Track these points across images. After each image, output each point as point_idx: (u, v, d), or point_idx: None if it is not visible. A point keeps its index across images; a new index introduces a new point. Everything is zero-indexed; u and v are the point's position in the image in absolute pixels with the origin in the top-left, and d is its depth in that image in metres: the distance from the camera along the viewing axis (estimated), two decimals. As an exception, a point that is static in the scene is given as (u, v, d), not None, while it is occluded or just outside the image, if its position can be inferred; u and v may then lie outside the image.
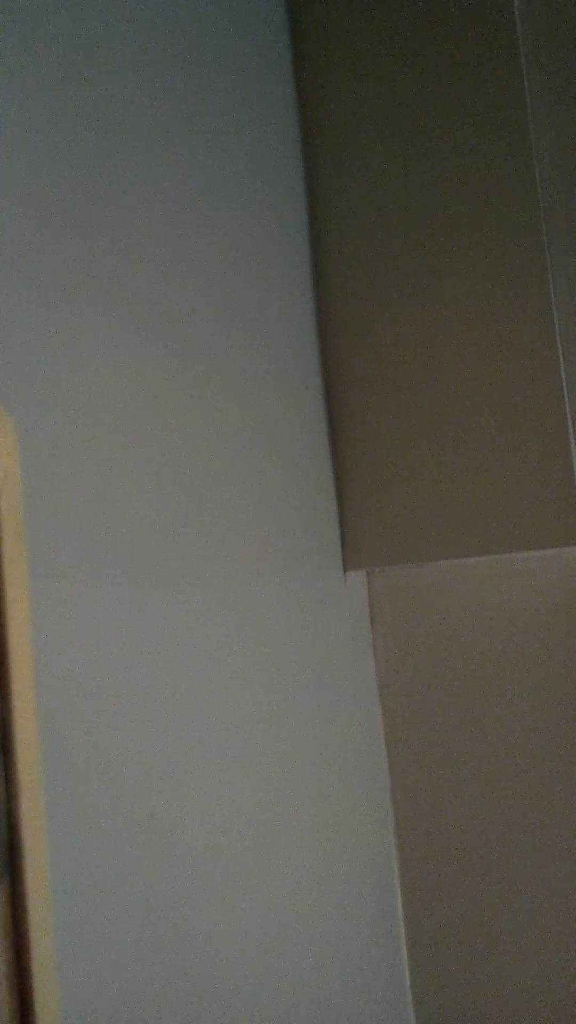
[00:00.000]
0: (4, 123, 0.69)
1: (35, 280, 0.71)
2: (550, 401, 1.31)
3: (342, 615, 1.32)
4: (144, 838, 0.75)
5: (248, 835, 0.93)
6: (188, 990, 0.78)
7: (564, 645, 1.38)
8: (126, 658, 0.76)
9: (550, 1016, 1.34)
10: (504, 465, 1.31)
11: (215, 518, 0.96)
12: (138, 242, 0.88)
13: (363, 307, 1.38)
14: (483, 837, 1.38)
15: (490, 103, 1.36)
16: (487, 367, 1.33)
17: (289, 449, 1.20)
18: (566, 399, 1.31)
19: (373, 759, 1.37)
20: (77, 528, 0.72)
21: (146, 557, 0.81)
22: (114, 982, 0.68)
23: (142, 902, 0.73)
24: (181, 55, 1.02)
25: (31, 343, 0.69)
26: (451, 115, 1.37)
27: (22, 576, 0.59)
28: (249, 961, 0.90)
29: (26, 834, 0.55)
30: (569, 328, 1.35)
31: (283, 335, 1.24)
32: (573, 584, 1.39)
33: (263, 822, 0.97)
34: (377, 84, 1.40)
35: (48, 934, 0.56)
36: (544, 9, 1.40)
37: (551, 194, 1.37)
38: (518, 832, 1.37)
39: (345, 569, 1.36)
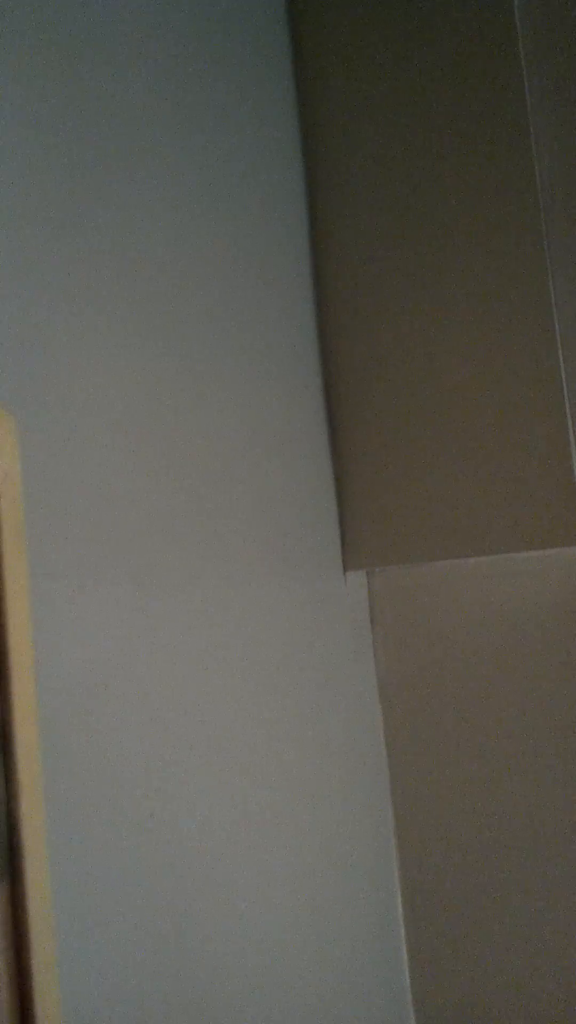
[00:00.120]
0: (3, 123, 0.69)
1: (35, 280, 0.71)
2: (550, 401, 1.31)
3: (342, 615, 1.32)
4: (144, 838, 0.75)
5: (248, 835, 0.94)
6: (188, 989, 0.78)
7: (564, 645, 1.38)
8: (126, 658, 0.76)
9: (550, 1016, 1.34)
10: (504, 465, 1.31)
11: (215, 518, 0.96)
12: (138, 242, 0.88)
13: (363, 307, 1.38)
14: (483, 837, 1.38)
15: (490, 103, 1.36)
16: (487, 367, 1.33)
17: (289, 449, 1.20)
18: (566, 399, 1.31)
19: (373, 759, 1.37)
20: (77, 528, 0.72)
21: (146, 557, 0.81)
22: (114, 982, 0.68)
23: (142, 902, 0.73)
24: (181, 54, 1.02)
25: (31, 343, 0.69)
26: (451, 114, 1.37)
27: (22, 576, 0.59)
28: (249, 961, 0.90)
29: (26, 834, 0.55)
30: (569, 328, 1.35)
31: (283, 335, 1.24)
32: (573, 584, 1.39)
33: (263, 822, 0.97)
34: (377, 84, 1.40)
35: (48, 934, 0.56)
36: (544, 9, 1.40)
37: (551, 194, 1.37)
38: (518, 832, 1.37)
39: (345, 569, 1.36)
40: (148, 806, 0.76)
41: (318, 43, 1.42)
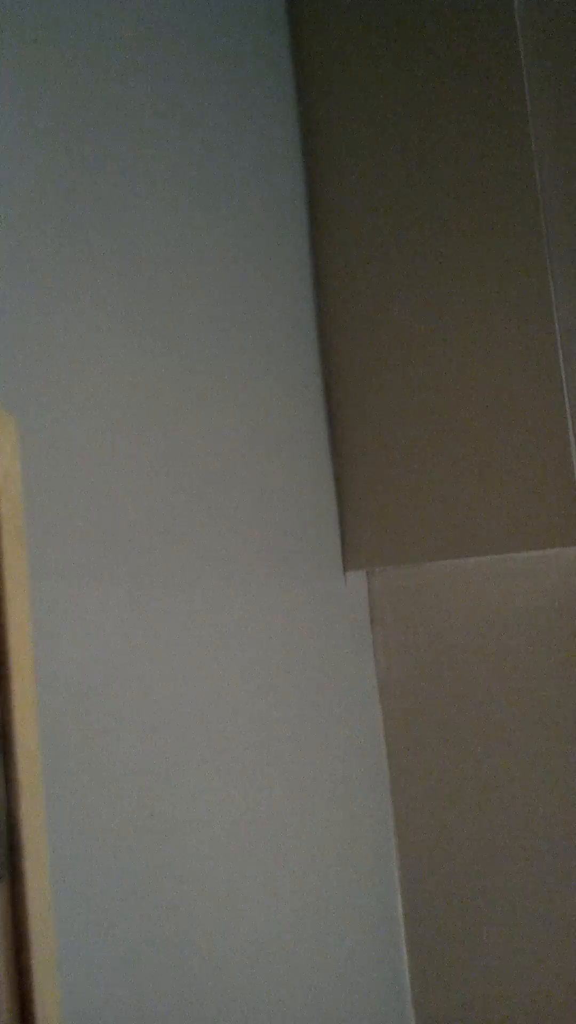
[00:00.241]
0: (4, 123, 0.69)
1: (35, 280, 0.71)
2: (550, 401, 1.31)
3: (342, 615, 1.32)
4: (144, 838, 0.75)
5: (248, 835, 0.94)
6: (188, 989, 0.78)
7: (564, 645, 1.38)
8: (126, 658, 0.76)
9: (550, 1016, 1.34)
10: (504, 465, 1.31)
11: (215, 518, 0.96)
12: (138, 242, 0.88)
13: (363, 307, 1.38)
14: (483, 837, 1.38)
15: (490, 103, 1.36)
16: (487, 367, 1.33)
17: (289, 449, 1.20)
18: (566, 399, 1.31)
19: (373, 759, 1.37)
20: (77, 528, 0.72)
21: (146, 557, 0.81)
22: (114, 982, 0.68)
23: (142, 902, 0.73)
24: (181, 55, 1.02)
25: (31, 343, 0.69)
26: (451, 115, 1.37)
27: (22, 576, 0.59)
28: (249, 961, 0.90)
29: (26, 834, 0.55)
30: (569, 328, 1.35)
31: (283, 335, 1.24)
32: (573, 584, 1.39)
33: (263, 821, 0.97)
34: (377, 84, 1.40)
35: (48, 934, 0.56)
36: (544, 9, 1.40)
37: (551, 194, 1.37)
38: (518, 832, 1.37)
39: (345, 569, 1.36)
40: (148, 805, 0.76)
41: (318, 43, 1.42)
